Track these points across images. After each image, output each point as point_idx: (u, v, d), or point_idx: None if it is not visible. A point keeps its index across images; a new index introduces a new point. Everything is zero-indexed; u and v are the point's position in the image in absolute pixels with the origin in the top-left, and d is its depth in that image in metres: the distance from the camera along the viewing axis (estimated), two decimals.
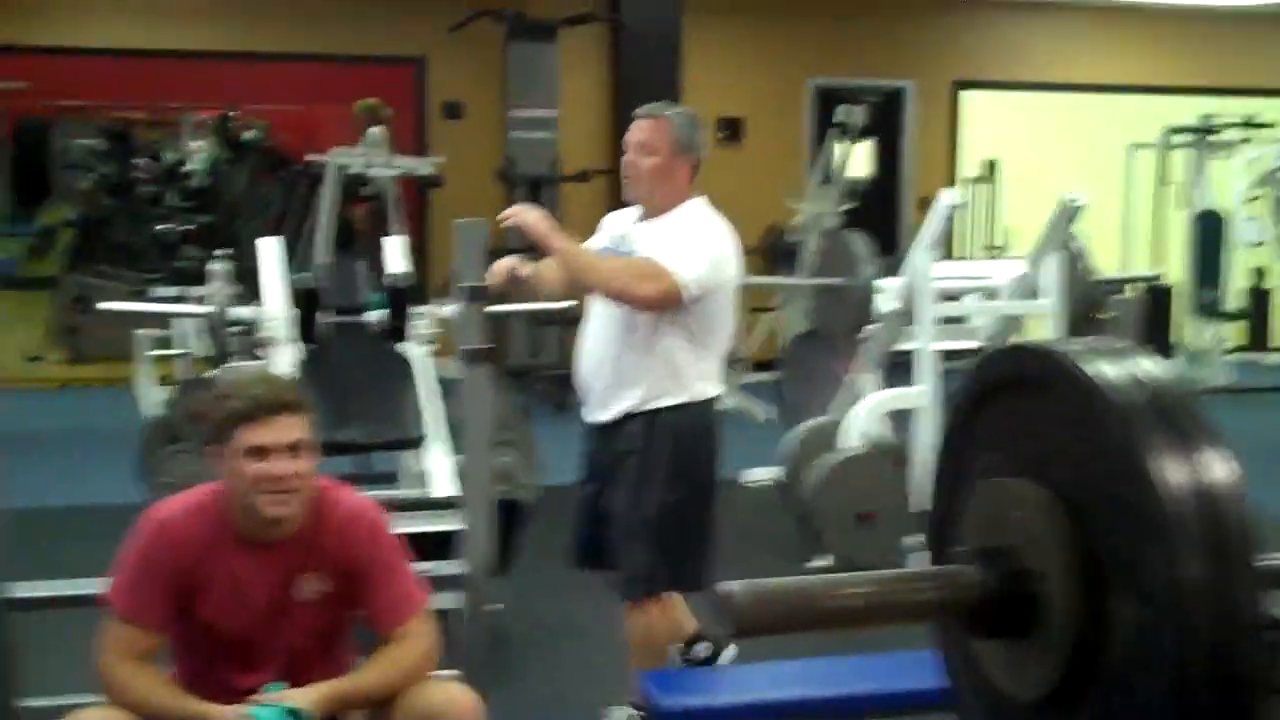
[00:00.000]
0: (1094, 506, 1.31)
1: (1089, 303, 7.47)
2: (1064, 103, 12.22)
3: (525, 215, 3.68)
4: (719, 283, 3.74)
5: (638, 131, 3.77)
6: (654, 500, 3.75)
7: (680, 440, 3.78)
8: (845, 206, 9.75)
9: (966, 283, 6.21)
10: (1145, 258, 11.09)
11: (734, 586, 1.43)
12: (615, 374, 3.77)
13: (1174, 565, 1.22)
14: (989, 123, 11.99)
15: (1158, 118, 10.93)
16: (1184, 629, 1.21)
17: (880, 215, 11.16)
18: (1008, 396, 1.45)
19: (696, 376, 3.80)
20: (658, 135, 3.75)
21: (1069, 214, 5.81)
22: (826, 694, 3.40)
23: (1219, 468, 1.25)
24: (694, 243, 3.70)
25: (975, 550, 1.39)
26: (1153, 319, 9.20)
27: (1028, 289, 6.02)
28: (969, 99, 11.93)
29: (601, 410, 3.82)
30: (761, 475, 6.86)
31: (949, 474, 1.57)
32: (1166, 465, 1.24)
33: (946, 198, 5.72)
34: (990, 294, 6.19)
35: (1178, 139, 10.68)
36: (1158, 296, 9.51)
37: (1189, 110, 10.78)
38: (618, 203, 4.08)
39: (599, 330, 3.82)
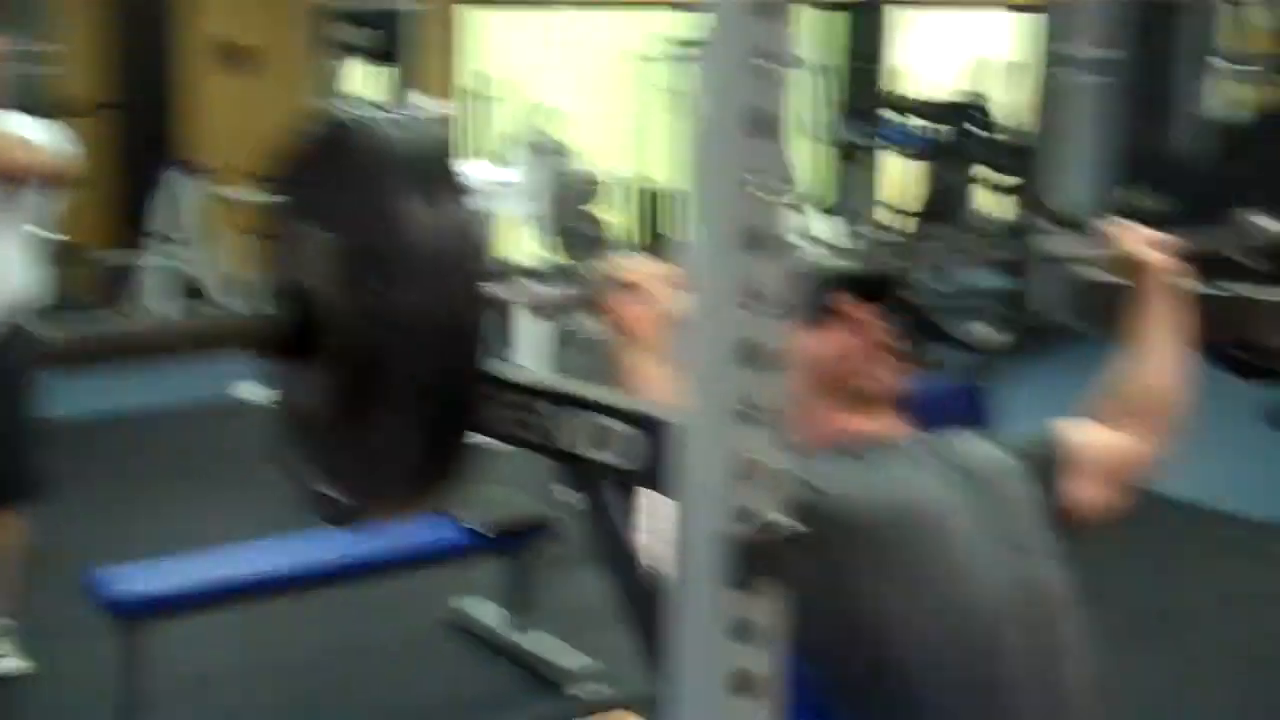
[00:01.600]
0: (361, 244, 1.53)
1: (579, 200, 7.85)
2: (565, 19, 12.58)
3: None
4: None
5: None
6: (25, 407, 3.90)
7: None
8: None
9: None
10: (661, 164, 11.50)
11: (56, 332, 1.54)
12: None
13: (411, 283, 1.46)
14: (488, 39, 12.23)
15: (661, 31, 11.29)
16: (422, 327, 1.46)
17: None
18: (314, 164, 1.64)
19: None
20: None
21: (546, 118, 6.09)
22: (275, 569, 3.65)
23: (453, 209, 1.48)
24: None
25: (273, 288, 1.61)
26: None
27: (510, 192, 6.30)
28: (467, 16, 12.13)
29: None
30: (256, 391, 6.87)
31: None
32: (413, 204, 1.46)
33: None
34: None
35: (679, 51, 11.10)
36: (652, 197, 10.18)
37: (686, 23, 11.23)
38: None
39: None
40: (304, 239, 1.60)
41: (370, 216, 1.51)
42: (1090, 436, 2.14)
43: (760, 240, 1.28)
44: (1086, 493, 2.09)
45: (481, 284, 1.49)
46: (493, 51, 12.19)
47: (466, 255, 1.48)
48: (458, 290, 1.47)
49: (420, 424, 1.50)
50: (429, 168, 1.51)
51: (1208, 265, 2.35)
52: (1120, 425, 2.14)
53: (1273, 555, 5.07)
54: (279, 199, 1.71)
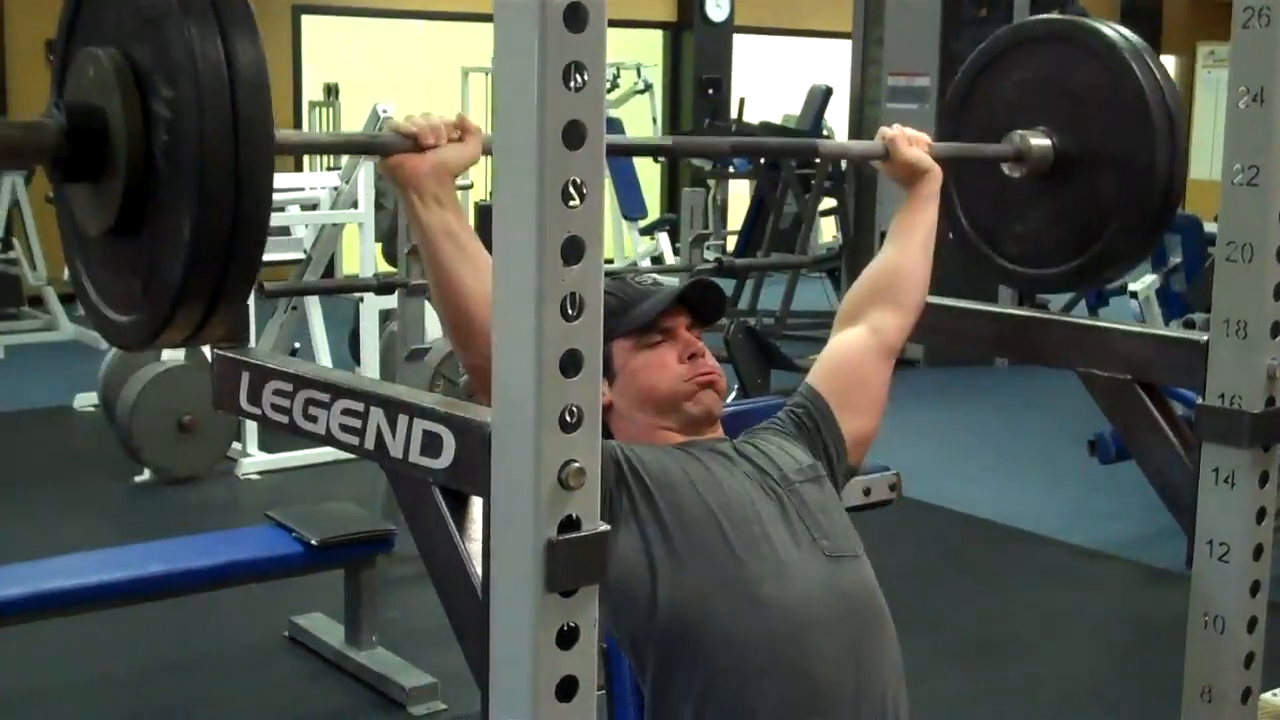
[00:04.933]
0: (150, 65, 1.56)
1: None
2: (400, 28, 12.55)
3: None
4: None
5: None
6: None
7: None
8: None
9: (285, 195, 6.36)
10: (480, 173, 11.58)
11: None
12: None
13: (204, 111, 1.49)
14: (329, 47, 12.15)
15: (490, 43, 11.40)
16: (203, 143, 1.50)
17: None
18: None
19: None
20: None
21: (379, 124, 6.06)
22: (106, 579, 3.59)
23: (244, 47, 1.53)
24: None
25: (60, 104, 1.61)
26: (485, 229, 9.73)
27: (345, 199, 6.25)
28: (309, 23, 12.04)
29: None
30: (91, 399, 6.76)
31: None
32: (199, 38, 1.50)
33: None
34: (310, 205, 6.38)
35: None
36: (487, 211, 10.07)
37: None
38: None
39: None
40: (93, 59, 1.59)
41: (165, 42, 1.52)
42: (836, 366, 2.27)
43: (578, 249, 1.30)
44: (857, 422, 2.22)
45: (268, 122, 1.51)
46: (336, 59, 12.11)
47: (258, 91, 1.51)
48: (248, 124, 1.49)
49: (202, 248, 1.51)
50: (226, 8, 1.52)
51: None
52: (878, 305, 2.30)
53: (1092, 580, 5.22)
54: (68, 18, 1.71)
